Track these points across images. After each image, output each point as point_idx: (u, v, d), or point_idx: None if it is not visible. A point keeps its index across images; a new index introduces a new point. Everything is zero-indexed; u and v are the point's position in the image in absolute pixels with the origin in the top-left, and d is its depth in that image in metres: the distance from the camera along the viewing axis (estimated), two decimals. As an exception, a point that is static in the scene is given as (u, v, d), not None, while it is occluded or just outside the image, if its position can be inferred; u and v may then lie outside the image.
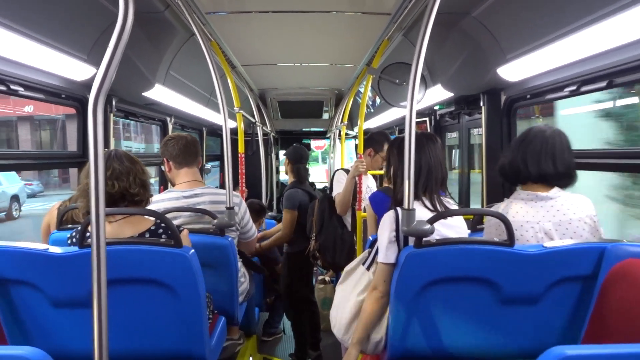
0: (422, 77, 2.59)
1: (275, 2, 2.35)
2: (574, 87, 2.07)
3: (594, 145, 3.47)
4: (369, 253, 1.89)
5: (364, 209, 3.02)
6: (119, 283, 1.51)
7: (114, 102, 2.70)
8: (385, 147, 3.08)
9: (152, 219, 1.76)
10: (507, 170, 1.78)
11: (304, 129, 7.52)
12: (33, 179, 15.36)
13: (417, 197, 1.70)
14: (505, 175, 1.81)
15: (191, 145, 2.37)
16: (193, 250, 1.62)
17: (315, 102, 5.84)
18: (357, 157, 3.07)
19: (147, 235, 1.73)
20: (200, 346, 1.69)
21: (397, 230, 1.64)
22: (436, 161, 1.78)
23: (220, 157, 6.20)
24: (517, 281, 1.51)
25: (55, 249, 1.53)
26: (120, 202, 1.70)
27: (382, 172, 3.31)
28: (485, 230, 1.86)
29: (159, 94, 2.99)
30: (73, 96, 2.43)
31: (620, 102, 3.27)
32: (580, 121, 3.74)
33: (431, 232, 1.47)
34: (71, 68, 2.16)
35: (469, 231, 2.01)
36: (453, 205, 1.87)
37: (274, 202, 6.72)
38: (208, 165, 5.61)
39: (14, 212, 12.11)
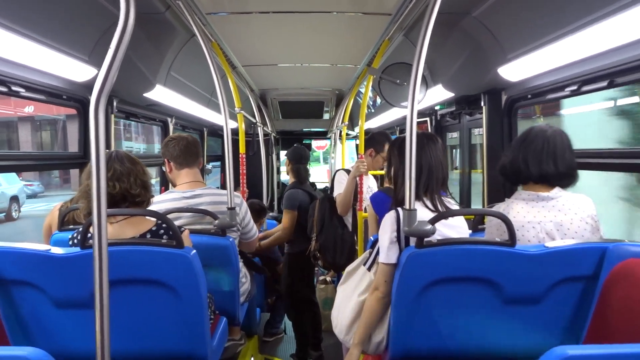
0: (423, 77, 2.60)
1: (275, 2, 2.35)
2: (574, 87, 2.07)
3: (604, 144, 3.46)
4: (370, 253, 1.89)
5: (365, 209, 3.02)
6: (120, 284, 1.51)
7: (115, 103, 2.70)
8: (386, 147, 3.08)
9: (153, 219, 1.77)
10: (508, 170, 1.77)
11: (304, 129, 7.52)
12: (33, 179, 15.36)
13: (418, 197, 1.71)
14: (506, 175, 1.81)
15: (192, 146, 2.38)
16: (194, 251, 1.62)
17: (315, 102, 5.84)
18: (357, 158, 3.07)
19: (148, 236, 1.73)
20: (202, 346, 1.69)
21: (398, 230, 1.64)
22: (437, 161, 1.78)
23: (221, 158, 6.21)
24: (519, 281, 1.51)
25: (57, 250, 1.54)
26: (121, 203, 1.70)
27: (383, 172, 3.32)
28: (486, 231, 1.86)
29: (160, 94, 2.99)
30: (74, 97, 2.43)
31: (628, 101, 3.27)
32: (587, 120, 3.73)
33: (432, 232, 1.47)
34: (72, 69, 2.16)
35: (470, 231, 2.01)
36: (454, 206, 1.87)
37: (275, 203, 6.72)
38: (209, 166, 5.61)
39: (13, 213, 12.06)
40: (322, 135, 7.88)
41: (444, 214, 1.63)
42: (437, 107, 3.74)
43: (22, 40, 1.72)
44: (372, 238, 2.27)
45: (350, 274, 1.96)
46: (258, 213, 3.62)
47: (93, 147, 1.03)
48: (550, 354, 0.95)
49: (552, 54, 1.96)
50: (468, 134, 3.54)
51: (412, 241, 1.58)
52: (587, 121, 3.74)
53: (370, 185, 3.37)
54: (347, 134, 4.83)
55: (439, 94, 3.17)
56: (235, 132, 4.14)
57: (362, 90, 3.54)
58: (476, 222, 2.17)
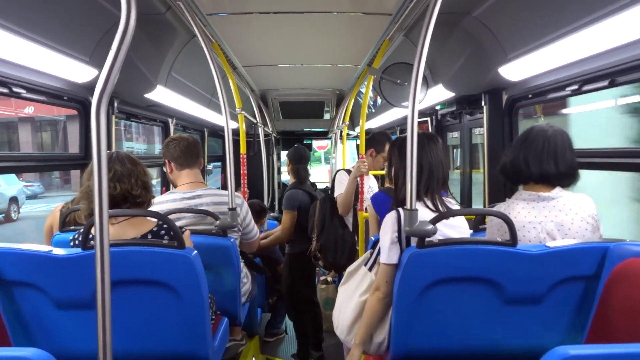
0: (424, 77, 2.60)
1: (276, 3, 2.35)
2: (575, 87, 2.07)
3: (610, 143, 3.45)
4: (371, 254, 1.89)
5: (366, 209, 3.02)
6: (122, 284, 1.51)
7: (115, 104, 2.70)
8: (387, 147, 3.08)
9: (155, 220, 1.77)
10: (509, 170, 1.77)
11: (305, 130, 7.53)
12: (34, 180, 15.36)
13: (418, 197, 1.70)
14: (506, 175, 1.81)
15: (192, 146, 2.38)
16: (196, 252, 1.62)
17: (316, 102, 5.84)
18: (358, 158, 3.07)
19: (149, 236, 1.73)
20: (203, 347, 1.69)
21: (399, 231, 1.64)
22: (437, 161, 1.78)
23: (221, 158, 6.21)
24: (520, 281, 1.51)
25: (59, 251, 1.54)
26: (122, 204, 1.71)
27: (383, 172, 3.32)
28: (487, 231, 1.86)
29: (161, 95, 3.00)
30: (75, 98, 2.44)
31: (630, 100, 3.26)
32: (589, 118, 3.72)
33: (434, 232, 1.47)
34: (73, 70, 2.17)
35: (471, 231, 2.01)
36: (455, 206, 1.87)
37: (276, 203, 6.72)
38: (210, 166, 5.61)
39: (13, 214, 12.02)
40: (323, 136, 7.88)
41: (445, 214, 1.63)
42: (437, 107, 3.74)
43: (23, 42, 1.72)
44: (373, 238, 2.27)
45: (351, 274, 1.96)
46: (258, 213, 3.63)
47: (95, 148, 1.03)
48: (552, 353, 0.95)
49: (552, 53, 1.96)
50: (469, 134, 3.54)
51: (413, 241, 1.58)
52: (589, 120, 3.73)
53: (371, 186, 3.37)
54: (348, 134, 4.83)
55: (439, 94, 3.17)
56: (236, 133, 4.14)
57: (363, 91, 3.54)
58: (477, 222, 2.16)
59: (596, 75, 1.93)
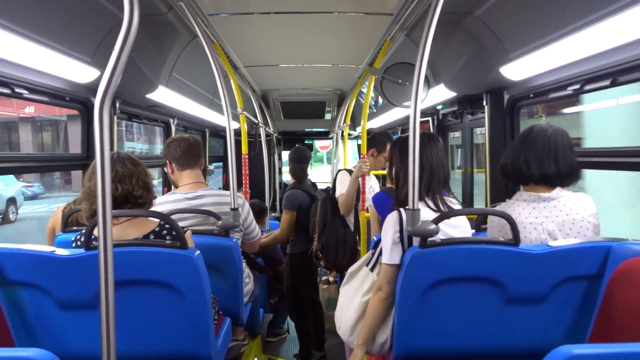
0: (425, 76, 2.60)
1: (277, 3, 2.35)
2: (577, 86, 2.07)
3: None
4: (373, 254, 1.89)
5: (367, 209, 3.02)
6: (125, 285, 1.51)
7: (117, 105, 2.71)
8: (388, 147, 3.08)
9: (156, 220, 1.77)
10: (509, 170, 1.76)
11: (306, 130, 7.53)
12: (34, 180, 15.36)
13: (420, 197, 1.70)
14: (506, 175, 1.80)
15: (193, 147, 2.38)
16: (198, 252, 1.63)
17: (317, 102, 5.84)
18: (360, 158, 3.08)
19: (151, 236, 1.73)
20: (206, 347, 1.69)
21: (401, 231, 1.65)
22: (438, 161, 1.78)
23: (223, 159, 6.21)
24: (523, 281, 1.51)
25: (62, 251, 1.54)
26: (123, 205, 1.71)
27: (384, 172, 3.32)
28: (488, 232, 1.86)
29: (162, 95, 3.00)
30: (77, 99, 2.44)
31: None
32: (591, 117, 3.69)
33: (436, 232, 1.47)
34: (75, 70, 2.17)
35: (473, 231, 2.01)
36: (456, 205, 1.87)
37: (277, 203, 6.72)
38: (211, 167, 5.61)
39: (11, 215, 12.02)
40: (324, 136, 7.88)
41: (447, 214, 1.64)
42: (439, 107, 3.74)
43: (25, 42, 1.72)
44: (374, 238, 2.27)
45: (353, 274, 1.96)
46: (258, 214, 3.63)
47: (98, 149, 1.03)
48: (555, 353, 0.95)
49: (554, 53, 1.96)
50: (470, 134, 3.54)
51: (416, 241, 1.59)
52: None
53: (372, 185, 3.37)
54: (349, 134, 4.83)
55: (441, 94, 3.16)
56: (237, 133, 4.15)
57: (364, 91, 3.54)
58: (479, 222, 2.16)
59: (598, 74, 1.93)
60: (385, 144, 3.17)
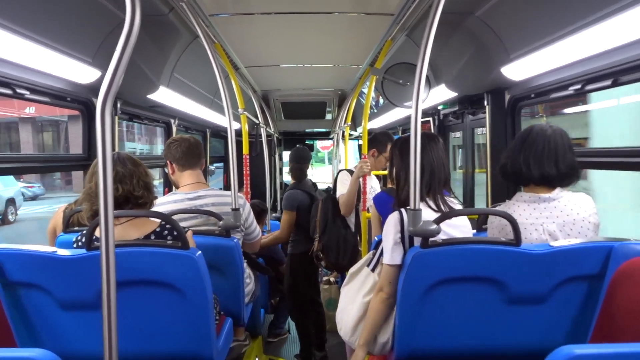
0: (426, 76, 2.61)
1: (278, 3, 2.35)
2: (578, 86, 2.07)
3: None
4: (374, 254, 1.89)
5: (368, 209, 3.02)
6: (126, 285, 1.51)
7: (118, 105, 2.71)
8: (389, 147, 3.08)
9: (157, 221, 1.77)
10: (509, 171, 1.75)
11: (307, 130, 7.53)
12: (35, 181, 15.35)
13: (421, 197, 1.70)
14: (506, 176, 1.79)
15: (194, 147, 2.38)
16: (200, 252, 1.63)
17: (318, 102, 5.85)
18: (360, 158, 3.08)
19: (152, 237, 1.73)
20: (208, 347, 1.69)
21: (402, 231, 1.65)
22: (439, 161, 1.78)
23: (223, 159, 6.22)
24: (524, 281, 1.51)
25: (64, 252, 1.54)
26: (124, 205, 1.71)
27: (385, 172, 3.32)
28: (488, 233, 1.86)
29: (164, 96, 3.00)
30: (78, 99, 2.44)
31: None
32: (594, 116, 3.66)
33: (438, 232, 1.47)
34: (76, 71, 2.17)
35: (474, 231, 2.01)
36: (457, 205, 1.86)
37: (278, 203, 6.73)
38: (212, 167, 5.62)
39: (10, 216, 11.99)
40: (325, 136, 7.89)
41: (449, 214, 1.63)
42: (440, 107, 3.74)
43: (26, 43, 1.73)
44: (375, 239, 2.27)
45: (354, 275, 1.96)
46: (258, 214, 3.64)
47: (99, 149, 1.03)
48: (557, 353, 0.95)
49: (555, 53, 1.95)
50: (471, 134, 3.54)
51: (417, 241, 1.58)
52: (598, 117, 3.69)
53: (372, 186, 3.37)
54: (350, 134, 4.83)
55: (441, 94, 3.17)
56: (238, 133, 4.16)
57: (365, 91, 3.54)
58: (480, 222, 2.16)
59: (599, 74, 1.92)
60: (386, 144, 3.17)
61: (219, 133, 5.44)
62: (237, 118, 3.34)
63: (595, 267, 1.49)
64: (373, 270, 1.85)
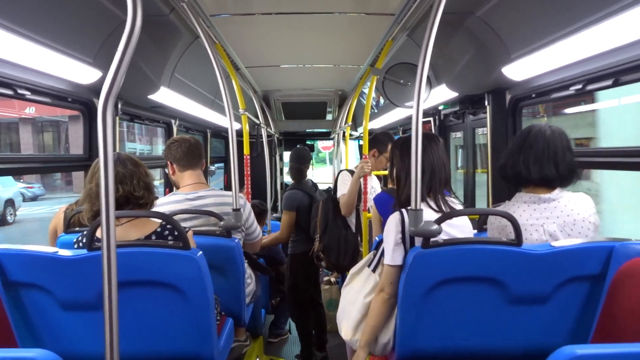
0: (427, 77, 2.61)
1: (278, 4, 2.36)
2: (579, 86, 2.06)
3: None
4: (374, 255, 1.89)
5: (369, 209, 3.02)
6: (127, 285, 1.51)
7: (119, 106, 2.71)
8: (389, 147, 3.08)
9: (158, 221, 1.77)
10: (508, 172, 1.75)
11: (307, 130, 7.53)
12: (35, 181, 15.33)
13: (421, 198, 1.70)
14: (506, 177, 1.78)
15: (194, 147, 2.38)
16: (201, 252, 1.63)
17: (318, 103, 5.85)
18: (362, 158, 3.08)
19: (153, 237, 1.73)
20: (209, 348, 1.69)
21: (403, 232, 1.65)
22: (439, 162, 1.78)
23: (224, 159, 6.22)
24: (525, 281, 1.51)
25: (65, 252, 1.54)
26: (125, 206, 1.71)
27: (386, 172, 3.31)
28: (488, 234, 1.86)
29: (164, 96, 3.00)
30: (79, 100, 2.44)
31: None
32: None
33: (439, 232, 1.47)
34: (77, 72, 2.17)
35: (475, 231, 2.01)
36: (458, 205, 1.86)
37: (279, 204, 6.73)
38: (212, 167, 5.62)
39: (9, 217, 11.94)
40: (326, 136, 7.89)
41: (450, 214, 1.63)
42: (440, 107, 3.74)
43: (27, 44, 1.73)
44: (376, 239, 2.27)
45: (355, 275, 1.96)
46: (258, 214, 3.64)
47: (101, 150, 1.03)
48: (559, 353, 0.95)
49: (556, 53, 1.95)
50: (472, 134, 3.54)
51: (418, 242, 1.58)
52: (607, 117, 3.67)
53: (373, 186, 3.37)
54: (350, 135, 4.83)
55: (442, 94, 3.16)
56: (239, 134, 4.16)
57: (366, 91, 3.54)
58: (481, 223, 2.16)
59: (600, 74, 1.92)
60: (387, 144, 3.17)
61: (220, 133, 5.44)
62: (237, 118, 3.35)
63: (597, 267, 1.49)
64: (374, 270, 1.85)
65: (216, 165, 6.28)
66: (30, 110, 15.15)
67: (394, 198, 1.93)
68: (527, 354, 1.60)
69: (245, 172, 3.21)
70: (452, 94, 3.09)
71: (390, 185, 2.51)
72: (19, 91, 1.99)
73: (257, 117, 4.63)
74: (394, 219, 1.68)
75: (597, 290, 1.50)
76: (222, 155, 6.24)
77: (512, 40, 2.23)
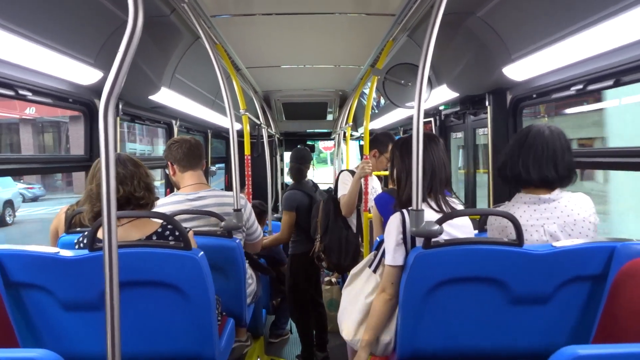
0: (428, 77, 2.61)
1: (279, 4, 2.36)
2: (580, 86, 2.06)
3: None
4: (375, 255, 1.89)
5: (370, 210, 3.02)
6: (128, 285, 1.52)
7: (120, 106, 2.71)
8: (390, 147, 3.08)
9: (158, 221, 1.77)
10: (508, 173, 1.74)
11: (308, 131, 7.54)
12: (35, 182, 15.33)
13: (422, 198, 1.70)
14: (505, 178, 1.78)
15: (195, 148, 2.38)
16: (202, 253, 1.63)
17: (319, 103, 5.85)
18: (362, 158, 3.08)
19: (154, 237, 1.73)
20: (210, 348, 1.69)
21: (404, 232, 1.65)
22: (439, 162, 1.78)
23: (225, 160, 6.22)
24: (527, 281, 1.51)
25: (66, 252, 1.54)
26: (125, 207, 1.71)
27: (386, 173, 3.31)
28: (488, 234, 1.85)
29: (165, 97, 3.00)
30: (80, 100, 2.45)
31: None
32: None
33: (440, 232, 1.47)
34: (78, 72, 2.18)
35: (476, 231, 2.01)
36: (458, 206, 1.86)
37: (279, 204, 6.73)
38: (213, 168, 5.62)
39: (8, 218, 11.95)
40: (326, 137, 7.89)
41: (451, 214, 1.63)
42: (441, 107, 3.74)
43: (28, 44, 1.73)
44: (377, 239, 2.27)
45: (356, 276, 1.96)
46: (259, 215, 3.64)
47: (102, 150, 1.04)
48: (560, 353, 0.95)
49: (557, 53, 1.95)
50: (472, 134, 3.54)
51: (419, 242, 1.58)
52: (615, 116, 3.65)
53: (374, 186, 3.36)
54: (351, 135, 4.83)
55: (443, 94, 3.16)
56: (239, 134, 4.17)
57: (366, 91, 3.54)
58: (482, 223, 2.16)
59: (601, 74, 1.92)
60: (387, 144, 3.17)
61: (221, 134, 5.44)
62: (238, 119, 3.35)
63: (598, 267, 1.49)
64: (375, 271, 1.85)
65: (217, 165, 6.28)
66: (30, 111, 15.15)
67: (395, 198, 1.93)
68: (528, 354, 1.60)
69: (246, 173, 3.21)
70: (453, 94, 3.09)
71: (390, 186, 2.50)
72: (21, 92, 2.00)
73: (258, 118, 4.63)
74: (394, 220, 1.68)
75: (598, 290, 1.50)
76: (223, 156, 6.24)
77: (512, 40, 2.23)
